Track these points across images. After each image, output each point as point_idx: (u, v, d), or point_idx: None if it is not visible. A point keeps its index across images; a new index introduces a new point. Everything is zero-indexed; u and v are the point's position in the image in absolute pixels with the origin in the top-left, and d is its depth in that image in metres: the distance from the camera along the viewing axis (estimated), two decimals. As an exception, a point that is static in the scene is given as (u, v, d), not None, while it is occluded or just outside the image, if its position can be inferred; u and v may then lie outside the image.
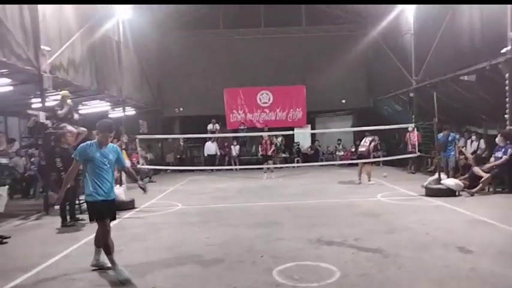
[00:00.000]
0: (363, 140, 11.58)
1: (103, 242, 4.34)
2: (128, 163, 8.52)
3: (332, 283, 3.92)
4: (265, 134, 14.34)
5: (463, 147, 11.26)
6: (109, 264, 4.37)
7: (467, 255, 4.63)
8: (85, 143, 4.53)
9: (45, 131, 8.45)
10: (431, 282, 3.86)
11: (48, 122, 8.51)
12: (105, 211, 4.38)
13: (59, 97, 8.85)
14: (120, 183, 8.68)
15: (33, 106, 10.51)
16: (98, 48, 11.81)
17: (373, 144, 11.36)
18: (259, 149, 14.15)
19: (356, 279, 3.99)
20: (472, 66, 10.13)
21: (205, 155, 17.54)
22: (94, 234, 6.21)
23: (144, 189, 4.89)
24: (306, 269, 4.36)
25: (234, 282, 4.03)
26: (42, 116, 8.46)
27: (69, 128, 8.07)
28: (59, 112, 8.26)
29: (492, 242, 5.09)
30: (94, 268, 4.54)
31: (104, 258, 4.47)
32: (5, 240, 6.04)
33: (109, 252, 4.30)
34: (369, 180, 11.20)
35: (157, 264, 4.71)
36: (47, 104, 8.91)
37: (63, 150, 7.26)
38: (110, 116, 15.45)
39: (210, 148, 17.33)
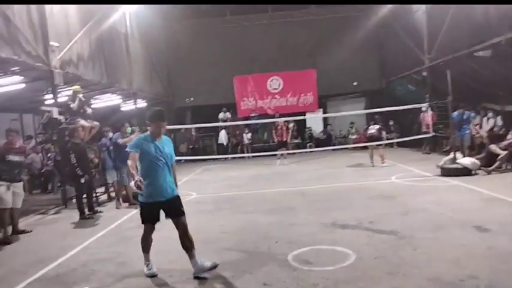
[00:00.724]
0: (371, 127, 11.62)
1: (141, 240, 4.18)
2: None
3: (348, 266, 3.93)
4: (280, 120, 14.23)
5: (476, 125, 11.04)
6: (207, 263, 4.00)
7: (485, 234, 4.57)
8: (140, 136, 4.18)
9: (59, 126, 8.59)
10: (448, 262, 3.82)
11: (62, 118, 8.64)
12: (154, 214, 4.00)
13: (70, 92, 8.95)
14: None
15: (46, 102, 10.66)
16: (106, 41, 11.85)
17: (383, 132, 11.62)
18: (275, 135, 14.00)
19: (372, 262, 3.99)
20: (486, 41, 9.83)
21: (220, 143, 17.70)
22: (113, 226, 6.39)
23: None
24: (321, 253, 4.36)
25: (250, 268, 4.07)
26: (55, 112, 8.58)
27: (82, 122, 8.17)
28: (72, 106, 8.35)
29: (510, 220, 5.00)
30: (197, 276, 3.93)
31: (201, 260, 4.02)
32: (27, 235, 6.22)
33: (143, 249, 4.18)
34: (383, 162, 11.11)
35: (173, 253, 4.76)
36: (59, 99, 9.02)
37: (76, 145, 7.36)
38: (121, 109, 15.61)
39: (222, 137, 17.44)
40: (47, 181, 11.38)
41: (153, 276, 4.08)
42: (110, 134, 8.76)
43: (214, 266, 4.02)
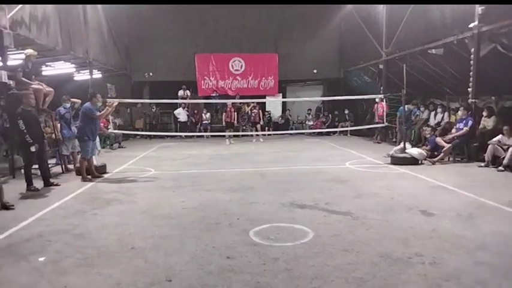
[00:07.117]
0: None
1: None
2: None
3: (306, 243, 4.14)
4: (229, 102, 14.41)
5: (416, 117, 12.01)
6: None
7: (429, 217, 4.99)
8: None
9: (8, 91, 8.04)
10: (397, 241, 4.15)
11: (11, 82, 8.08)
12: None
13: (22, 56, 8.37)
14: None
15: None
16: (62, 6, 11.11)
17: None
18: (223, 116, 14.20)
19: (328, 239, 4.23)
20: (440, 40, 10.43)
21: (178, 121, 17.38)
22: (68, 198, 6.18)
23: None
24: (281, 230, 4.55)
25: (212, 242, 4.16)
26: (3, 76, 8.00)
27: (35, 86, 7.66)
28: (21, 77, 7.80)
29: (451, 206, 5.47)
30: None
31: None
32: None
33: None
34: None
35: (134, 226, 4.76)
36: (8, 63, 8.40)
37: (26, 112, 6.92)
38: (75, 78, 14.85)
39: (181, 115, 17.13)
40: (-9, 149, 10.62)
41: None
42: (67, 105, 8.32)
43: None
